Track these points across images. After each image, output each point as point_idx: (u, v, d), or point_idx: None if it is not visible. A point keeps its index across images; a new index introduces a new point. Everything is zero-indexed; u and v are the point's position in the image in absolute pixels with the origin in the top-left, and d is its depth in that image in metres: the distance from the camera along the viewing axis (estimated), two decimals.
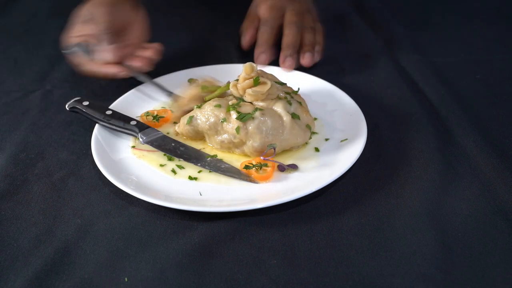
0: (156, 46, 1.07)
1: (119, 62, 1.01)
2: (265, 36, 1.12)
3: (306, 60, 1.10)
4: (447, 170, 0.85)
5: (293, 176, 0.83)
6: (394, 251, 0.71)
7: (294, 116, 0.86)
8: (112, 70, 1.00)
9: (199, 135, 0.90)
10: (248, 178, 0.82)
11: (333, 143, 0.89)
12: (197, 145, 0.90)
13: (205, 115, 0.87)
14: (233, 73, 1.00)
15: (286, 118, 0.85)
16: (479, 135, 0.92)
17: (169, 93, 1.02)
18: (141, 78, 1.03)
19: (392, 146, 0.91)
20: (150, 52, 1.05)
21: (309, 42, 1.12)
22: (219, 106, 0.87)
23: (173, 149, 0.88)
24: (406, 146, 0.90)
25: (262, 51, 1.10)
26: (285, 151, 0.88)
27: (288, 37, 1.10)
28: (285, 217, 0.77)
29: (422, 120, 0.97)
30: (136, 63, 1.02)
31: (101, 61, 1.00)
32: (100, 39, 1.00)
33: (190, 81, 1.07)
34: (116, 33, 1.02)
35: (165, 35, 1.32)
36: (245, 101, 0.88)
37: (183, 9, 1.45)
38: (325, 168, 0.83)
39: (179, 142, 0.90)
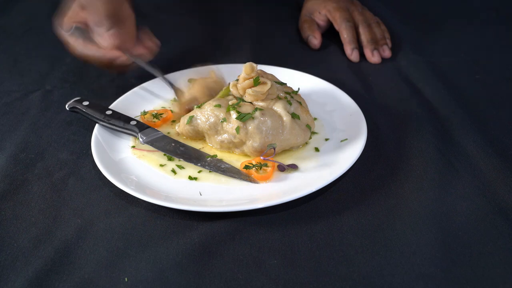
0: (154, 39, 1.06)
1: (118, 49, 0.98)
2: (351, 33, 1.20)
3: (386, 52, 1.18)
4: (447, 169, 0.85)
5: (293, 176, 0.83)
6: (394, 251, 0.71)
7: (294, 116, 0.86)
8: (112, 54, 0.98)
9: (199, 135, 0.90)
10: (248, 178, 0.82)
11: (333, 143, 0.89)
12: (197, 145, 0.90)
13: (205, 115, 0.87)
14: (233, 73, 1.00)
15: (286, 118, 0.85)
16: (479, 135, 0.92)
17: (172, 86, 1.01)
18: (141, 63, 1.00)
19: (392, 146, 0.91)
20: (150, 43, 1.04)
21: (381, 36, 1.20)
22: (219, 106, 0.87)
23: (173, 149, 0.88)
24: (406, 146, 0.90)
25: (354, 47, 1.18)
26: (285, 151, 0.88)
27: (366, 34, 1.19)
28: (285, 217, 0.77)
29: (422, 120, 0.97)
30: (138, 50, 1.01)
31: (101, 45, 0.98)
32: (99, 25, 0.98)
33: (190, 81, 1.07)
34: (114, 22, 0.99)
35: (165, 35, 1.32)
36: (245, 101, 0.88)
37: (185, 9, 1.45)
38: (325, 168, 0.83)
39: (179, 142, 0.90)
